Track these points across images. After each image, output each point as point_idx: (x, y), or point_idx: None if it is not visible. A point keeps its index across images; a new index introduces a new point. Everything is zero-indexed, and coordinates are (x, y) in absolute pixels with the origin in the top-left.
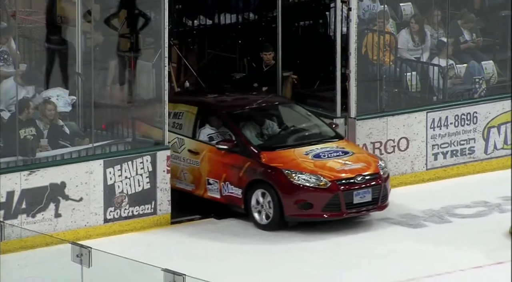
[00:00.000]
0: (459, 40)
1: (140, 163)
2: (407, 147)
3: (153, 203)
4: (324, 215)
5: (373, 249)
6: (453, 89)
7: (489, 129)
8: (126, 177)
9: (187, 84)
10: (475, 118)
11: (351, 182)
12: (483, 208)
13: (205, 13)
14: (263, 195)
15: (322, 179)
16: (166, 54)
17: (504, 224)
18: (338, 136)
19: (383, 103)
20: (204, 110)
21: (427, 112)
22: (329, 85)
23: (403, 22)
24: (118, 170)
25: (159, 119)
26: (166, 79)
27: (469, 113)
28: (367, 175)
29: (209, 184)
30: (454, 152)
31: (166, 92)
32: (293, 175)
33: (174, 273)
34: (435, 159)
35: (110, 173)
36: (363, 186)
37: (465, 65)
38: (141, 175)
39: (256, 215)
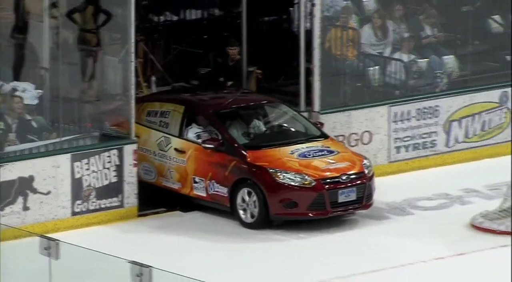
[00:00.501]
0: (421, 35)
1: (107, 156)
2: (370, 140)
3: (120, 196)
4: (310, 214)
5: (336, 241)
6: (415, 84)
7: (451, 122)
8: (93, 171)
9: (153, 79)
10: (436, 112)
11: (336, 181)
12: (445, 200)
13: (171, 9)
14: (248, 193)
15: (307, 178)
16: (133, 50)
17: (465, 216)
18: (324, 136)
19: (346, 97)
20: (191, 109)
21: (389, 106)
22: (293, 79)
23: (366, 18)
24: (86, 164)
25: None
26: (133, 74)
27: (430, 107)
28: (352, 174)
29: (195, 182)
30: (416, 145)
31: (133, 87)
32: (278, 174)
33: (140, 265)
34: (398, 152)
35: (77, 166)
36: (348, 185)
37: (426, 59)
38: (108, 168)
39: (241, 214)
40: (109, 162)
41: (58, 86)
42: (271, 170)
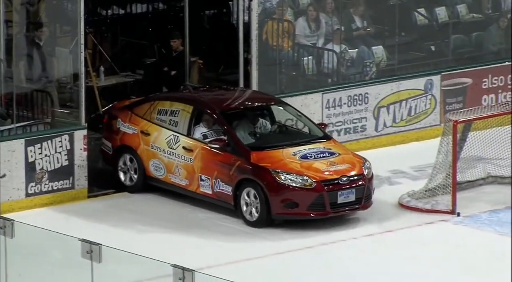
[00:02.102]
0: (352, 27)
1: (59, 141)
2: (305, 125)
3: (71, 178)
4: (310, 214)
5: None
6: (346, 72)
7: (379, 109)
8: (46, 155)
9: (102, 69)
10: (366, 99)
11: (336, 182)
12: (374, 181)
13: (118, 3)
14: (251, 193)
15: (307, 179)
16: (82, 41)
17: (394, 195)
18: (326, 137)
19: (282, 85)
20: (199, 108)
21: (322, 94)
22: (233, 69)
23: (300, 11)
24: (39, 148)
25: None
26: (83, 64)
27: (361, 94)
28: (352, 176)
29: (202, 180)
30: (348, 130)
31: (83, 76)
32: (280, 174)
33: (90, 242)
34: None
35: (31, 151)
36: (347, 186)
37: (356, 50)
38: (60, 152)
39: (245, 212)
40: (60, 147)
41: (12, 76)
42: (273, 171)
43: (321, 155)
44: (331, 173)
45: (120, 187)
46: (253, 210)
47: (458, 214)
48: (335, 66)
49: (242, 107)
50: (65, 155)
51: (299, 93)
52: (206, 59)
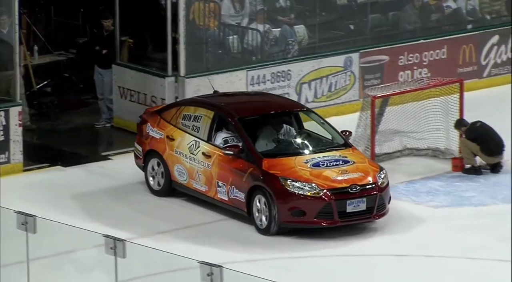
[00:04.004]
0: (276, 6)
1: None
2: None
3: (7, 153)
4: (323, 223)
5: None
6: (269, 50)
7: (301, 85)
8: None
9: (35, 48)
10: (289, 76)
11: (345, 191)
12: None
13: None
14: (262, 200)
15: (315, 187)
16: (17, 22)
17: None
18: (346, 145)
19: (208, 63)
20: (219, 114)
21: (247, 71)
22: (161, 48)
23: None
24: None
25: None
26: (18, 43)
27: (283, 71)
28: (363, 185)
29: (219, 186)
30: None
31: (17, 55)
32: (288, 182)
33: (25, 214)
34: None
35: None
36: (358, 195)
37: (279, 29)
38: None
39: (257, 219)
40: None
41: None
42: (281, 178)
43: (334, 163)
44: (340, 181)
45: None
46: (263, 217)
47: None
48: (259, 44)
49: (262, 114)
50: (0, 130)
51: (225, 70)
52: (136, 39)
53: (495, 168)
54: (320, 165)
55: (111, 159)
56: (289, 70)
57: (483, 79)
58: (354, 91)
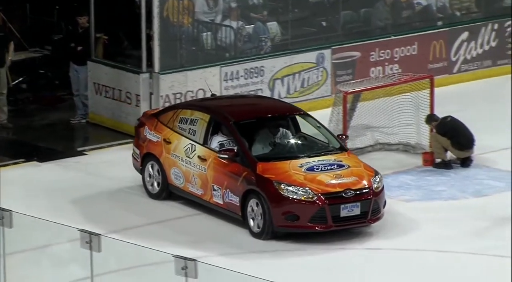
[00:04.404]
0: (248, 4)
1: None
2: (204, 97)
3: None
4: (313, 227)
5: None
6: (243, 47)
7: (274, 81)
8: None
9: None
10: (262, 72)
11: (339, 195)
12: None
13: None
14: (256, 204)
15: (309, 191)
16: None
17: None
18: (342, 149)
19: (182, 59)
20: (215, 118)
21: (220, 67)
22: (136, 44)
23: None
24: None
25: None
26: None
27: (257, 67)
28: (357, 189)
29: (214, 190)
30: None
31: None
32: (282, 186)
33: (2, 209)
34: None
35: None
36: (352, 200)
37: (252, 26)
38: None
39: (251, 223)
40: None
41: None
42: (275, 182)
43: (329, 167)
44: (334, 185)
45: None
46: (258, 221)
47: None
48: (232, 41)
49: (258, 117)
50: None
51: (199, 67)
52: (111, 36)
53: (465, 162)
54: (315, 169)
55: (86, 154)
56: (262, 66)
57: (453, 75)
58: (326, 87)
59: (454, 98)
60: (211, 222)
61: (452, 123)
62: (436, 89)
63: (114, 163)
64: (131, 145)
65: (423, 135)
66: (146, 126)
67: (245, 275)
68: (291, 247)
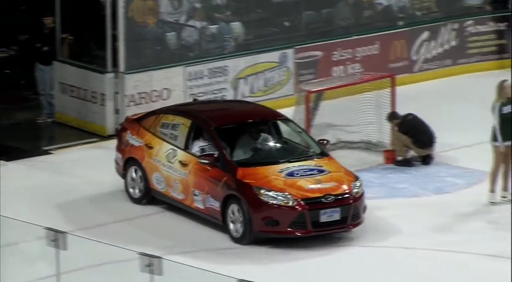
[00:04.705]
0: (212, 4)
1: None
2: (169, 96)
3: None
4: (296, 233)
5: None
6: (206, 47)
7: (238, 80)
8: None
9: None
10: (225, 71)
11: (318, 201)
12: None
13: None
14: (236, 209)
15: (288, 197)
16: None
17: None
18: (323, 154)
19: (147, 59)
20: (196, 123)
21: (185, 67)
22: (101, 45)
23: None
24: None
25: None
26: None
27: (220, 67)
28: (337, 195)
29: (195, 195)
30: None
31: None
32: (262, 191)
33: None
34: None
35: None
36: (331, 205)
37: (216, 26)
38: None
39: (231, 228)
40: None
41: None
42: (255, 188)
43: (309, 173)
44: (314, 191)
45: None
46: (238, 227)
47: None
48: (196, 41)
49: (238, 122)
50: None
51: (163, 66)
52: (77, 36)
53: (426, 160)
54: (295, 174)
55: (52, 153)
56: (226, 66)
57: (414, 74)
58: (289, 86)
59: (415, 97)
60: (176, 220)
61: (413, 121)
62: (397, 88)
63: (80, 162)
64: (97, 143)
65: (384, 134)
66: (129, 131)
67: (209, 272)
68: (263, 250)
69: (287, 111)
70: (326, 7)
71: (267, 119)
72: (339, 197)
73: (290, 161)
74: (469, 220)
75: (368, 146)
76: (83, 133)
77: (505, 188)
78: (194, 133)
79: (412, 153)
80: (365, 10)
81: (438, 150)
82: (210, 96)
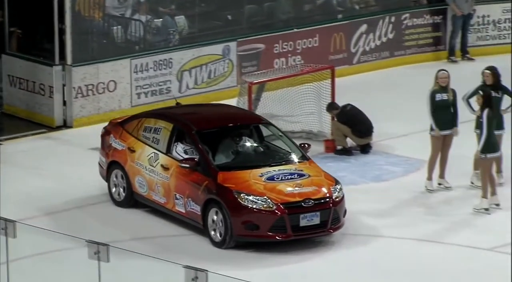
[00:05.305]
0: None
1: None
2: (115, 88)
3: None
4: (277, 237)
5: None
6: (152, 40)
7: (182, 72)
8: None
9: None
10: (170, 64)
11: (298, 205)
12: None
13: None
14: (216, 213)
15: (268, 201)
16: None
17: None
18: (304, 158)
19: (94, 52)
20: (178, 127)
21: (131, 60)
22: (49, 38)
23: None
24: None
25: None
26: None
27: (165, 59)
28: (316, 199)
29: (176, 198)
30: (154, 92)
31: None
32: (241, 196)
33: None
34: (139, 98)
35: None
36: (311, 209)
37: (161, 19)
38: None
39: (212, 232)
40: None
41: None
42: (235, 192)
43: (289, 177)
44: (294, 195)
45: None
46: (219, 231)
47: None
48: (142, 34)
49: (220, 126)
50: None
51: (110, 59)
52: (25, 29)
53: (365, 149)
54: (275, 179)
55: (1, 144)
56: (170, 58)
57: (353, 65)
58: (232, 78)
59: (353, 88)
60: (122, 210)
61: (352, 111)
62: (336, 80)
63: (29, 152)
64: (46, 134)
65: (324, 124)
66: (112, 135)
67: (156, 258)
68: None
69: (231, 102)
70: (268, 1)
71: (249, 123)
72: (319, 201)
73: (271, 165)
74: (406, 206)
75: (309, 136)
76: (31, 124)
77: (441, 176)
78: (176, 137)
79: (351, 142)
80: (305, 4)
81: (376, 139)
82: (156, 89)
